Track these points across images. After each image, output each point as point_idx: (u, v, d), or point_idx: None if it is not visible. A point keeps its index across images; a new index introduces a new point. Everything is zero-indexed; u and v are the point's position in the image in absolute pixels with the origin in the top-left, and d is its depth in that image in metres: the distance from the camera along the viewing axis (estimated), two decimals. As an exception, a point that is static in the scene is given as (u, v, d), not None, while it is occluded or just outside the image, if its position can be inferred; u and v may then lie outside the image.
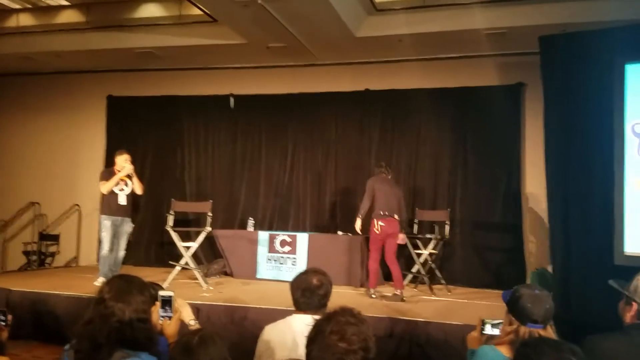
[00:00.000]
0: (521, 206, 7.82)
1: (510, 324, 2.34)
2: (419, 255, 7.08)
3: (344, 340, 1.73)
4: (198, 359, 1.89)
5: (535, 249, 7.62)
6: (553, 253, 5.87)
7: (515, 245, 7.73)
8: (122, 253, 6.39)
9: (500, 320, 2.45)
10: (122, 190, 6.32)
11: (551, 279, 6.14)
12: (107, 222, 6.22)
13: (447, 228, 7.21)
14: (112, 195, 6.27)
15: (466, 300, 6.53)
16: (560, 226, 5.73)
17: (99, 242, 6.39)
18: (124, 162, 6.34)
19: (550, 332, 2.33)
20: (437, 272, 7.18)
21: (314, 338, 1.80)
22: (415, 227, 7.54)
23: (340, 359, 1.72)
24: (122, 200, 6.32)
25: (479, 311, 2.71)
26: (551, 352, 1.79)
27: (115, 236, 6.27)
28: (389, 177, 6.63)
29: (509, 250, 7.74)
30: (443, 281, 7.16)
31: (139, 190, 6.46)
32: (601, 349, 2.31)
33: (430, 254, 7.06)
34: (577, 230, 5.60)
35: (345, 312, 1.83)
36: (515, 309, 2.32)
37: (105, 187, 6.25)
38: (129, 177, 6.36)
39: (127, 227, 6.40)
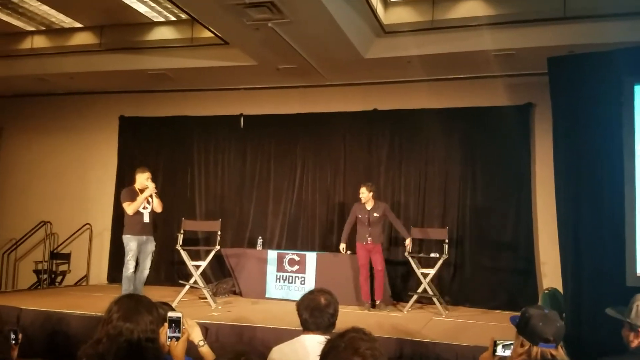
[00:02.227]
0: (532, 226, 7.76)
1: (522, 346, 2.32)
2: (424, 275, 6.96)
3: (357, 355, 1.73)
4: None
5: (547, 269, 7.54)
6: (564, 274, 5.82)
7: (526, 265, 7.67)
8: (146, 272, 6.39)
9: (512, 341, 2.44)
10: (145, 208, 6.33)
11: (562, 300, 6.07)
12: (132, 244, 6.22)
13: (445, 247, 7.09)
14: (137, 214, 6.28)
15: (476, 321, 6.47)
16: (571, 247, 5.70)
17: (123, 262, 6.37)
18: (145, 181, 6.36)
19: (561, 353, 2.31)
20: (434, 291, 6.95)
21: (328, 353, 1.81)
22: (410, 245, 7.20)
23: None
24: (146, 218, 6.33)
25: (490, 332, 2.68)
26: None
27: (139, 256, 6.28)
28: None
29: (520, 271, 7.67)
30: (441, 300, 6.99)
31: (159, 209, 6.47)
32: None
33: (425, 274, 6.91)
34: (588, 251, 5.56)
35: (359, 330, 1.85)
36: (526, 330, 2.31)
37: (131, 208, 6.25)
38: (151, 195, 6.39)
39: (151, 246, 6.41)
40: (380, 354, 1.77)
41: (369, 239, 6.89)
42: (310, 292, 2.83)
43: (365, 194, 6.96)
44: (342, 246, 7.18)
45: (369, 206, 6.97)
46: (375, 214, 6.94)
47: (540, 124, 7.69)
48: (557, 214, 5.94)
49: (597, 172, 5.62)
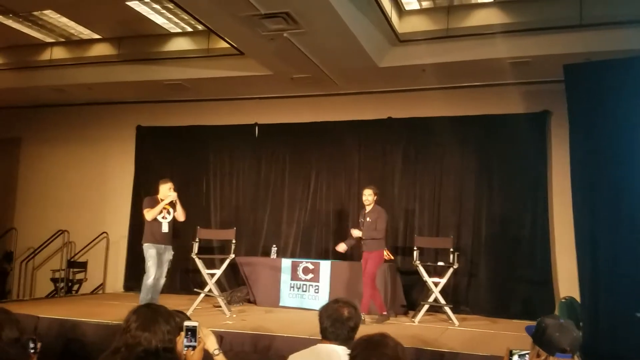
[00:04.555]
0: (549, 234, 7.69)
1: (538, 356, 2.31)
2: (435, 284, 6.88)
3: (389, 348, 1.91)
4: None
5: (564, 278, 7.45)
6: (581, 282, 5.75)
7: (543, 274, 7.58)
8: (162, 280, 6.42)
9: (528, 351, 2.42)
10: (164, 218, 6.38)
11: (580, 309, 6.00)
12: (152, 251, 6.26)
13: (451, 256, 6.93)
14: (155, 223, 6.33)
15: (493, 331, 6.42)
16: (588, 255, 5.63)
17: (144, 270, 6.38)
18: (167, 191, 6.42)
19: (577, 363, 2.29)
20: (442, 300, 6.81)
21: (360, 343, 1.97)
22: (415, 254, 7.09)
23: None
24: (165, 228, 6.37)
25: (506, 342, 2.66)
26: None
27: (158, 264, 6.33)
28: None
29: (537, 280, 7.59)
30: (447, 309, 6.85)
31: (181, 217, 6.51)
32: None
33: (436, 283, 6.82)
34: (605, 259, 5.49)
35: (390, 335, 2.04)
36: (543, 340, 2.29)
37: (149, 215, 6.31)
38: (173, 205, 6.43)
39: (169, 254, 6.45)
40: (407, 357, 1.97)
41: (363, 245, 6.73)
42: (335, 301, 2.79)
43: (370, 197, 6.71)
44: (341, 244, 6.96)
45: (367, 209, 6.76)
46: (367, 219, 6.68)
47: (557, 131, 7.63)
48: (574, 222, 5.87)
49: (615, 180, 5.56)
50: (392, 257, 6.86)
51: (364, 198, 6.78)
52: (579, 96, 5.95)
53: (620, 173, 5.54)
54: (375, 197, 6.76)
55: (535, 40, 6.75)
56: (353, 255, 8.37)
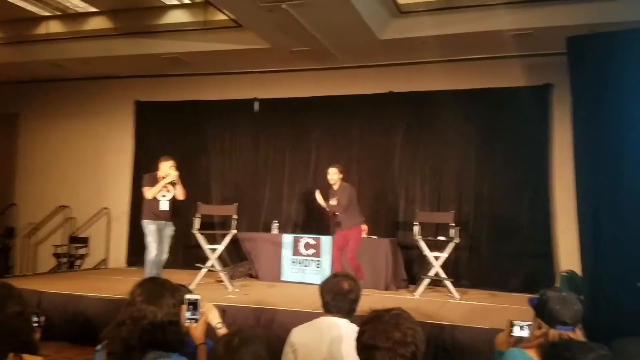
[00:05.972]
0: (550, 208, 7.70)
1: (539, 328, 2.32)
2: (436, 258, 6.89)
3: (399, 331, 1.81)
4: (240, 358, 1.92)
5: (565, 251, 7.48)
6: (582, 256, 5.77)
7: (544, 248, 7.61)
8: (165, 256, 6.42)
9: (529, 322, 2.44)
10: (164, 196, 6.35)
11: (581, 282, 6.04)
12: (152, 227, 6.25)
13: (452, 230, 6.92)
14: (155, 201, 6.30)
15: (493, 304, 6.47)
16: (590, 228, 5.63)
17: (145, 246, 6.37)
18: (168, 169, 6.37)
19: (579, 335, 2.30)
20: (442, 274, 6.83)
21: (370, 320, 1.87)
22: (416, 229, 7.09)
23: (392, 347, 1.78)
24: (164, 206, 6.35)
25: (507, 315, 2.66)
26: (582, 352, 1.77)
27: (158, 240, 6.33)
28: None
29: (538, 253, 7.62)
30: (447, 282, 6.86)
31: (181, 197, 6.47)
32: (629, 353, 2.28)
33: (437, 257, 6.85)
34: (607, 233, 5.49)
35: (405, 311, 1.92)
36: (544, 313, 2.30)
37: (149, 193, 6.28)
38: (173, 183, 6.39)
39: (169, 230, 6.43)
40: (420, 336, 1.85)
41: (339, 223, 6.72)
42: (335, 276, 2.84)
43: (335, 176, 6.67)
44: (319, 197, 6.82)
45: (334, 188, 6.73)
46: (337, 197, 6.66)
47: (559, 105, 7.56)
48: (576, 195, 5.86)
49: (618, 153, 5.52)
50: (366, 235, 6.94)
51: (329, 177, 6.74)
52: (582, 69, 5.88)
53: (623, 146, 5.50)
54: (341, 175, 6.73)
55: (538, 11, 6.66)
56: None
